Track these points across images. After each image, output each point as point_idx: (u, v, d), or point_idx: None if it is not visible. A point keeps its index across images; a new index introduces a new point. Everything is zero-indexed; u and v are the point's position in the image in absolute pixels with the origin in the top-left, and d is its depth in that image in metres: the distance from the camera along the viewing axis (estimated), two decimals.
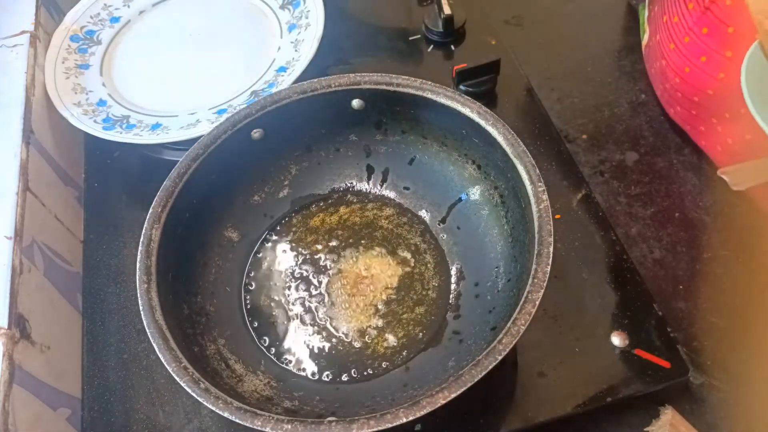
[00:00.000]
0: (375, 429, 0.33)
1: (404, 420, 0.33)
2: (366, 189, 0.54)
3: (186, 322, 0.43)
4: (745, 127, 0.50)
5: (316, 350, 0.46)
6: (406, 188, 0.53)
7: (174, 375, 0.36)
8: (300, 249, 0.51)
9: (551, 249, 0.39)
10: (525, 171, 0.42)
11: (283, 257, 0.51)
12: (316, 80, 0.48)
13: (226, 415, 0.35)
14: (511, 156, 0.43)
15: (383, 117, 0.51)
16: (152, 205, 0.43)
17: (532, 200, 0.41)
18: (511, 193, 0.46)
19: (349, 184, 0.54)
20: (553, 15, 0.71)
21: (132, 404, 0.46)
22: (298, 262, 0.51)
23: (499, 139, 0.44)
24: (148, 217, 0.43)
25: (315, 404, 0.42)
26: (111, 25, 0.66)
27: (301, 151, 0.53)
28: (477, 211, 0.49)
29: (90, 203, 0.58)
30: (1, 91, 0.54)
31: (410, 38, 0.66)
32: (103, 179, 0.59)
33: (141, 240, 0.42)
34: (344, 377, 0.45)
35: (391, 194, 0.53)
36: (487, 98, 0.60)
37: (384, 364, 0.45)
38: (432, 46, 0.65)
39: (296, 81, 0.56)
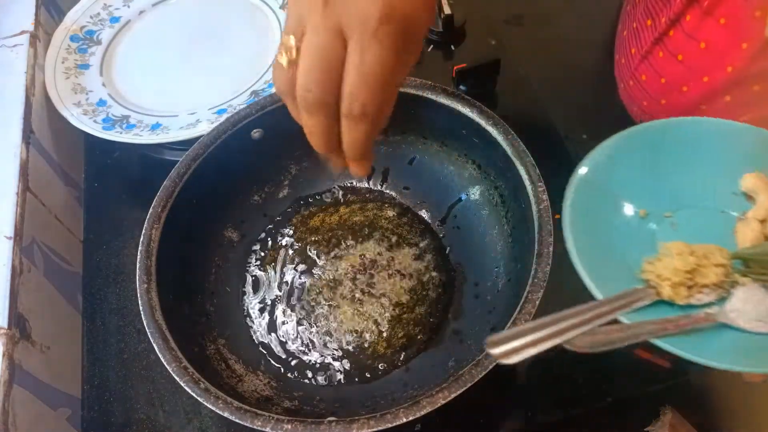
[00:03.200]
0: (375, 429, 0.33)
1: (404, 420, 0.33)
2: (366, 189, 0.54)
3: (186, 322, 0.43)
4: None
5: (316, 350, 0.46)
6: (406, 188, 0.53)
7: (174, 375, 0.36)
8: (300, 249, 0.51)
9: (551, 249, 0.39)
10: (525, 171, 0.42)
11: (282, 257, 0.51)
12: None
13: (226, 415, 0.35)
14: (511, 156, 0.43)
15: None
16: (152, 205, 0.43)
17: (532, 200, 0.41)
18: (511, 193, 0.46)
19: (349, 184, 0.54)
20: (553, 15, 0.71)
21: (132, 404, 0.46)
22: (298, 262, 0.50)
23: (499, 139, 0.44)
24: (148, 217, 0.43)
25: (315, 404, 0.42)
26: (111, 25, 0.66)
27: (301, 151, 0.53)
28: (477, 211, 0.49)
29: (90, 203, 0.58)
30: (1, 91, 0.54)
31: None
32: (103, 179, 0.59)
33: (141, 240, 0.42)
34: (344, 377, 0.45)
35: (391, 194, 0.53)
36: (487, 98, 0.60)
37: (384, 365, 0.45)
38: (432, 46, 0.65)
39: None
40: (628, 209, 0.42)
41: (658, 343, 0.34)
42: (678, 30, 0.48)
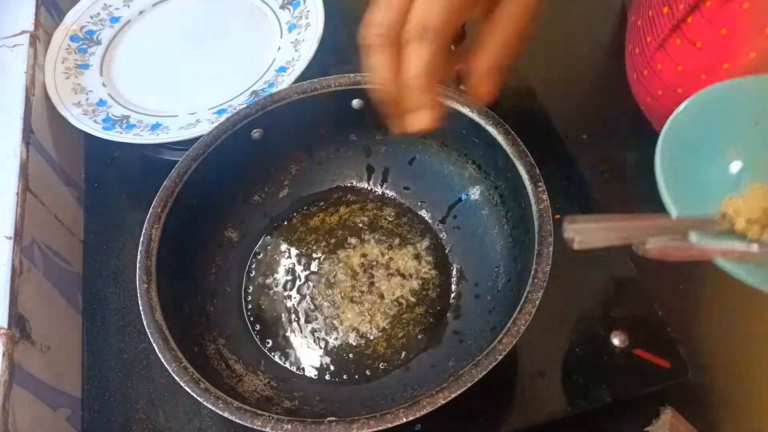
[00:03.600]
0: (375, 429, 0.33)
1: (404, 420, 0.33)
2: (366, 189, 0.54)
3: (186, 322, 0.43)
4: None
5: (316, 350, 0.46)
6: (406, 188, 0.53)
7: (174, 375, 0.36)
8: (300, 249, 0.51)
9: (551, 249, 0.39)
10: (525, 171, 0.42)
11: (283, 257, 0.51)
12: (316, 80, 0.48)
13: (226, 415, 0.35)
14: (511, 156, 0.43)
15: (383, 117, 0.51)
16: (152, 205, 0.43)
17: (532, 200, 0.41)
18: (511, 193, 0.46)
19: (349, 184, 0.54)
20: (553, 15, 0.71)
21: (132, 404, 0.46)
22: (298, 262, 0.51)
23: (499, 139, 0.44)
24: (148, 217, 0.43)
25: (315, 404, 0.42)
26: (111, 25, 0.66)
27: (301, 151, 0.53)
28: (477, 211, 0.49)
29: (90, 203, 0.58)
30: (1, 91, 0.54)
31: None
32: (103, 179, 0.59)
33: (141, 240, 0.42)
34: (344, 377, 0.45)
35: (391, 194, 0.53)
36: None
37: (384, 365, 0.45)
38: None
39: (296, 81, 0.56)
40: (721, 152, 0.42)
41: (725, 264, 0.35)
42: (697, 16, 0.47)
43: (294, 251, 0.51)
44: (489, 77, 0.36)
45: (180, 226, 0.45)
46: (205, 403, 0.35)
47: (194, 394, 0.35)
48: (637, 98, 0.57)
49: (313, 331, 0.47)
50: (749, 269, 0.35)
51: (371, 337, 0.46)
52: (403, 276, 0.49)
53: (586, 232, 0.33)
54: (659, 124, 0.56)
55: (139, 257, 0.41)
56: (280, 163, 0.53)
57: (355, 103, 0.50)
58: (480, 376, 0.34)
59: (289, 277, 0.50)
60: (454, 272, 0.49)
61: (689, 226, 0.36)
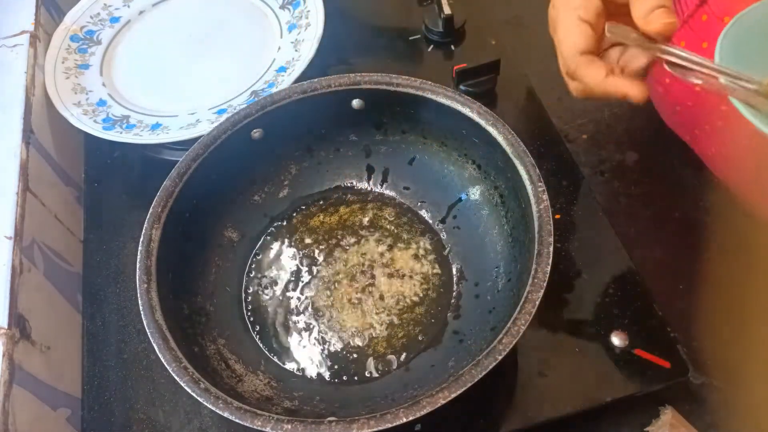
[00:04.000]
0: (375, 429, 0.33)
1: (404, 420, 0.33)
2: (366, 189, 0.54)
3: (186, 322, 0.43)
4: (723, 140, 0.51)
5: (316, 350, 0.46)
6: (406, 188, 0.53)
7: (174, 375, 0.36)
8: (300, 249, 0.51)
9: (551, 249, 0.39)
10: (525, 171, 0.42)
11: (283, 257, 0.51)
12: (316, 80, 0.48)
13: (226, 415, 0.35)
14: (511, 156, 0.43)
15: (383, 117, 0.51)
16: (152, 205, 0.43)
17: (532, 200, 0.41)
18: (511, 193, 0.46)
19: (349, 184, 0.54)
20: None
21: (132, 404, 0.46)
22: (298, 262, 0.51)
23: (499, 139, 0.44)
24: (148, 217, 0.43)
25: (315, 404, 0.42)
26: (111, 25, 0.66)
27: (301, 151, 0.53)
28: (477, 211, 0.49)
29: (90, 203, 0.58)
30: (1, 91, 0.54)
31: (410, 38, 0.66)
32: (103, 179, 0.59)
33: (141, 240, 0.42)
34: (344, 377, 0.45)
35: (391, 194, 0.53)
36: (487, 98, 0.60)
37: (384, 365, 0.45)
38: (432, 46, 0.65)
39: (296, 81, 0.56)
40: None
41: (745, 109, 0.34)
42: None
43: (294, 251, 0.51)
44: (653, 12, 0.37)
45: (180, 226, 0.45)
46: (205, 403, 0.35)
47: (194, 394, 0.35)
48: (650, 82, 0.57)
49: (313, 331, 0.47)
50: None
51: (371, 337, 0.46)
52: (403, 276, 0.49)
53: (623, 30, 0.37)
54: (672, 107, 0.55)
55: (139, 257, 0.41)
56: (280, 163, 0.53)
57: (355, 103, 0.50)
58: (480, 376, 0.34)
59: (290, 277, 0.50)
60: (454, 272, 0.49)
61: (723, 73, 0.36)
